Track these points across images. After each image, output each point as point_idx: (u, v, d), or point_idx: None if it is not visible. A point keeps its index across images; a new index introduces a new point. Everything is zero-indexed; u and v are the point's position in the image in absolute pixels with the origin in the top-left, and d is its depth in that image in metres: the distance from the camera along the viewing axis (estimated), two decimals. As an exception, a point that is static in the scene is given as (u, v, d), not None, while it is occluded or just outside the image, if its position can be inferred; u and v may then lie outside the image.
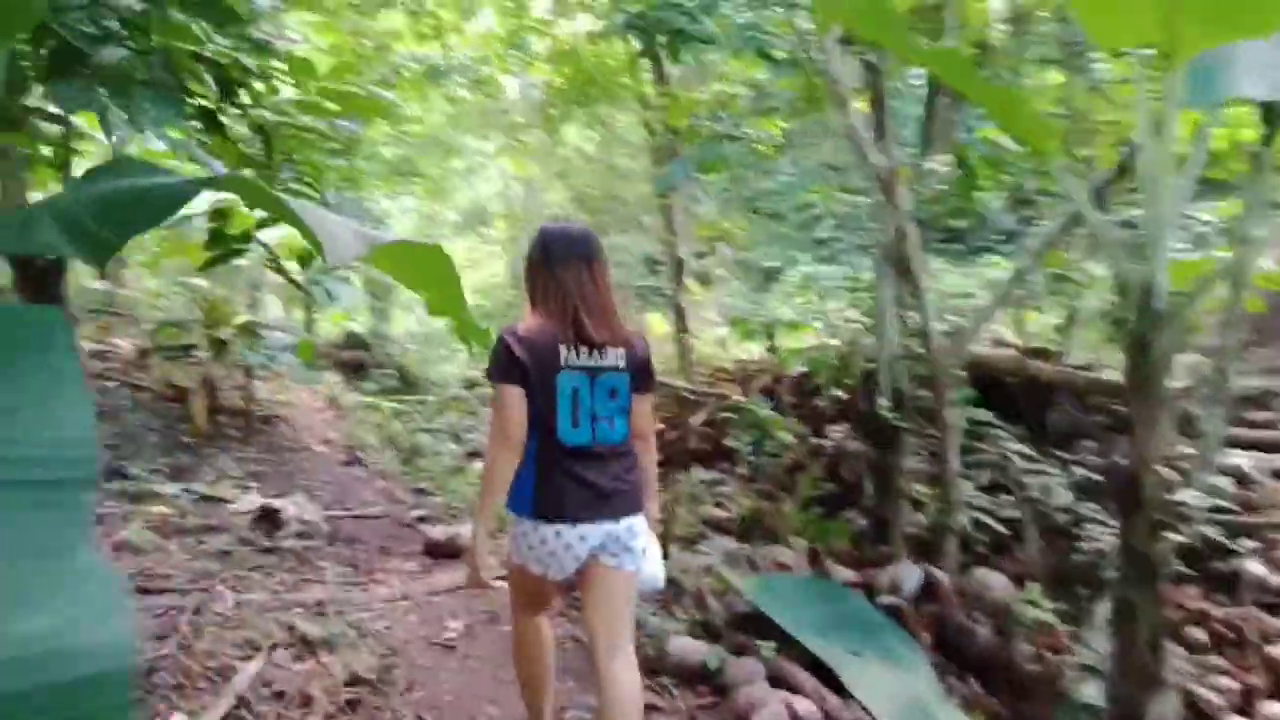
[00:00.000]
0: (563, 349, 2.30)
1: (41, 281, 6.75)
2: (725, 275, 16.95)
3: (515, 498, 2.37)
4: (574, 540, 2.31)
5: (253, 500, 5.43)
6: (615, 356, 2.36)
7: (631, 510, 2.41)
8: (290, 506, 5.44)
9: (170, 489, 5.46)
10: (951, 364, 4.01)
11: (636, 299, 14.23)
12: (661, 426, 10.72)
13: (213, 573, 4.18)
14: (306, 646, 3.50)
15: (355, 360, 12.59)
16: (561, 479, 2.31)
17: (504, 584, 2.76)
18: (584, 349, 2.32)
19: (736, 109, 8.15)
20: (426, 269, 1.75)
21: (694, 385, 11.00)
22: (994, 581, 3.92)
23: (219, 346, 7.23)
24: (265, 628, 3.63)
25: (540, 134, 13.78)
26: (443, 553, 5.00)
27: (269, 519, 5.00)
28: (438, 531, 5.26)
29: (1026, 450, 4.68)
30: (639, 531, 2.43)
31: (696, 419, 10.52)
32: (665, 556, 4.71)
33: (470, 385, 14.33)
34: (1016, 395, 6.15)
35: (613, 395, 2.35)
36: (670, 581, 4.41)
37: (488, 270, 24.89)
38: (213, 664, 3.31)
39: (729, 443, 8.73)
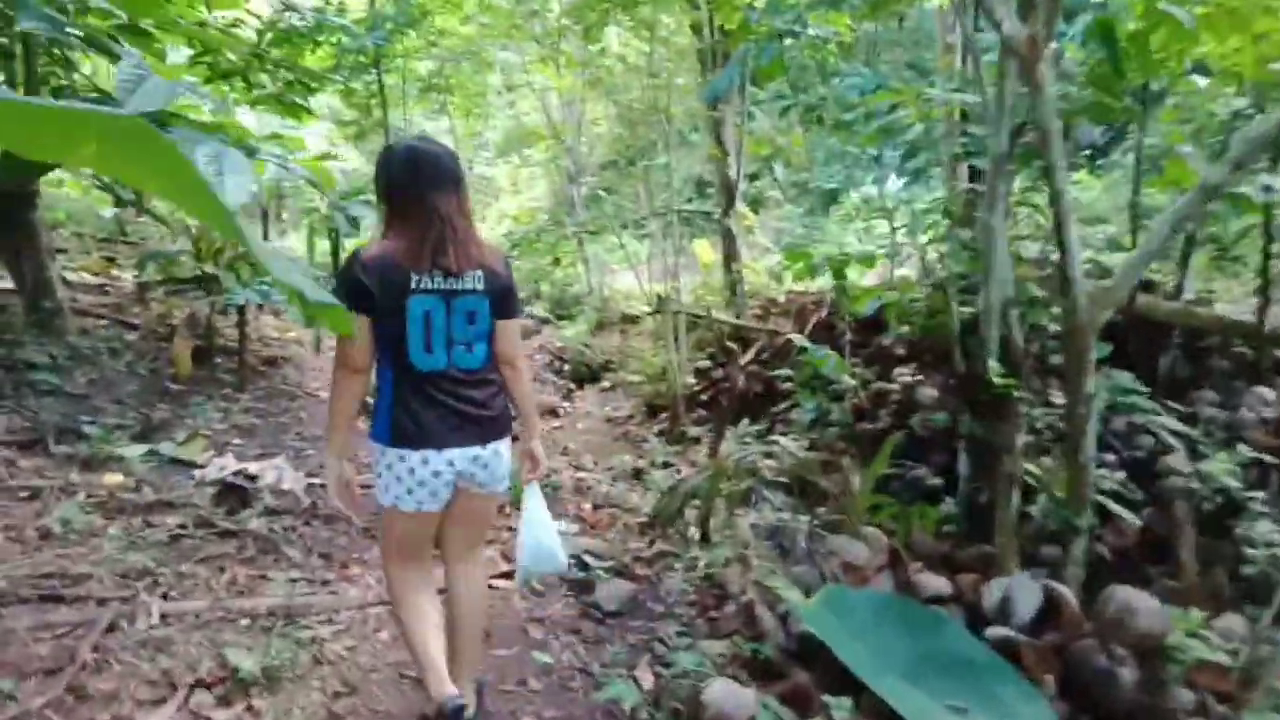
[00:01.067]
0: (413, 273, 2.20)
1: (7, 209, 5.88)
2: (780, 198, 15.74)
3: (376, 428, 2.32)
4: (442, 466, 2.27)
5: (224, 464, 4.63)
6: (473, 279, 2.28)
7: (498, 435, 2.38)
8: (270, 472, 4.63)
9: (133, 450, 4.68)
10: (1101, 314, 2.96)
11: (682, 225, 13.13)
12: (714, 365, 9.78)
13: (148, 570, 3.38)
14: (238, 685, 2.68)
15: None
16: (420, 405, 2.25)
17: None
18: (439, 273, 2.23)
19: (797, 2, 6.92)
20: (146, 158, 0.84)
21: (743, 320, 9.99)
22: (1139, 602, 2.93)
23: (211, 282, 6.40)
24: (190, 656, 2.81)
25: (579, 42, 12.55)
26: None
27: (235, 493, 4.20)
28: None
29: (1182, 428, 3.63)
30: (505, 456, 2.42)
31: (745, 358, 9.56)
32: (704, 538, 3.92)
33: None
34: (1122, 336, 5.06)
35: (471, 320, 2.28)
36: (710, 581, 3.54)
37: (528, 194, 23.89)
38: (107, 715, 2.51)
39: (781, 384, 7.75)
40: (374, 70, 13.17)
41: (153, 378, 6.09)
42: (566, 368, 12.58)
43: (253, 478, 4.60)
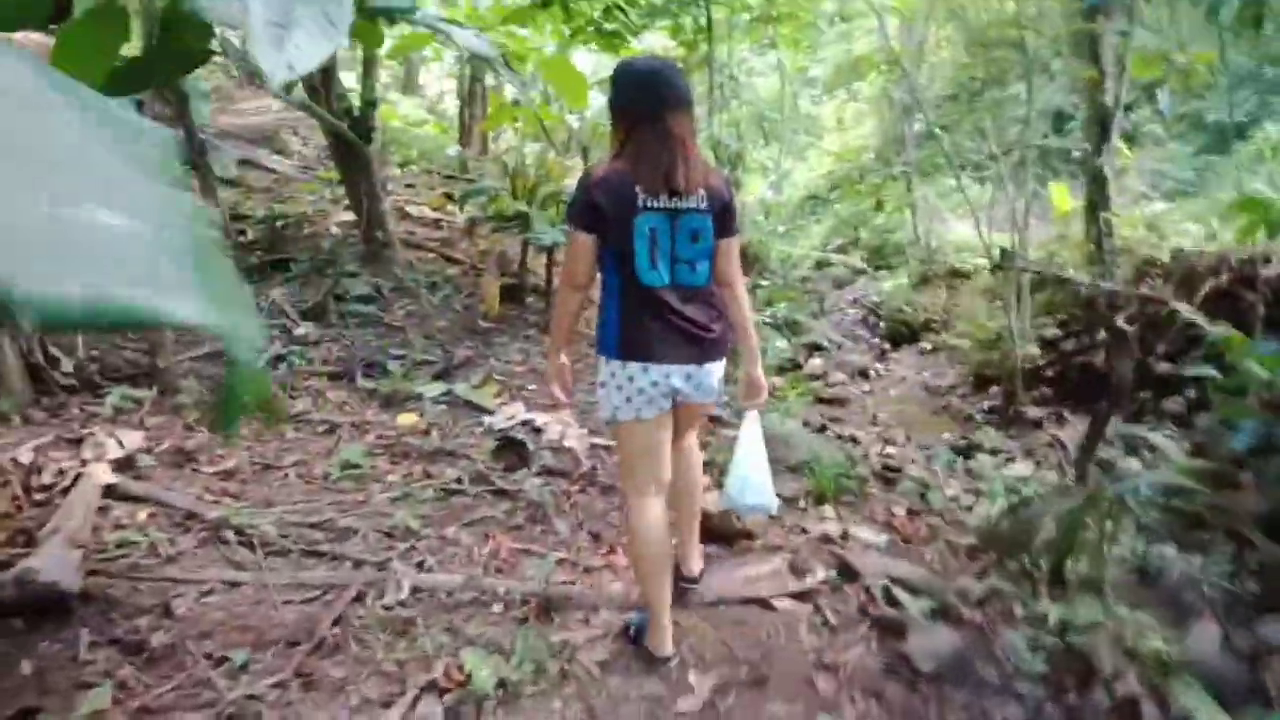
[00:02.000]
0: (640, 192, 2.20)
1: (350, 143, 6.04)
2: (1160, 134, 13.15)
3: (602, 340, 2.35)
4: (660, 378, 2.29)
5: (512, 413, 4.41)
6: (697, 199, 2.26)
7: (715, 356, 2.38)
8: (554, 425, 4.34)
9: (431, 389, 4.61)
10: None
11: (1036, 165, 11.33)
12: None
13: (412, 530, 3.14)
14: (469, 696, 2.30)
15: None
16: (645, 319, 2.27)
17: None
18: (666, 193, 2.22)
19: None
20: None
21: (1111, 282, 8.33)
22: None
23: (525, 220, 6.28)
24: (430, 648, 2.48)
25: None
26: (727, 533, 3.27)
27: (515, 448, 3.91)
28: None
29: None
30: (717, 376, 2.41)
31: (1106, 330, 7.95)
32: (1057, 578, 2.95)
33: (820, 265, 12.61)
34: None
35: (694, 238, 2.27)
36: (1068, 649, 2.61)
37: (854, 132, 22.44)
38: (324, 716, 2.22)
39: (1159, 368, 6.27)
40: (702, 2, 12.65)
41: (465, 314, 6.11)
42: (882, 325, 11.49)
43: (538, 430, 4.33)
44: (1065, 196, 10.01)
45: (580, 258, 2.26)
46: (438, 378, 4.88)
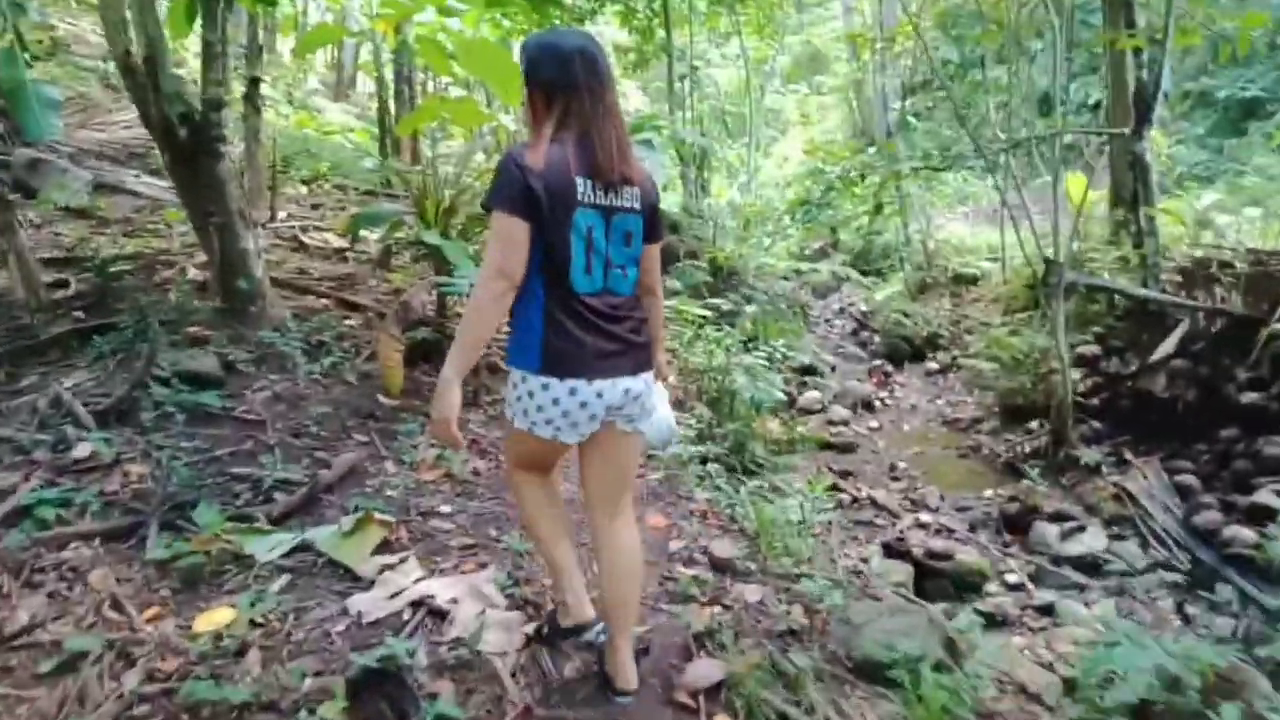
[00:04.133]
0: (579, 182, 1.92)
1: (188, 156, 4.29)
2: (1165, 115, 11.66)
3: (520, 352, 2.04)
4: (590, 398, 2.01)
5: (400, 581, 2.68)
6: (631, 196, 2.02)
7: (647, 365, 2.14)
8: (467, 603, 2.63)
9: (270, 545, 2.86)
10: None
11: (1040, 154, 9.76)
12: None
13: None
14: None
15: (661, 248, 9.66)
16: (576, 331, 1.98)
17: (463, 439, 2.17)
18: (600, 185, 1.95)
19: None
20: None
21: (1157, 290, 6.76)
22: None
23: (436, 253, 4.53)
24: None
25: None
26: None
27: (386, 694, 2.17)
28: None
29: None
30: (652, 389, 2.17)
31: (1162, 349, 6.39)
32: None
33: (797, 272, 10.95)
34: None
35: (627, 241, 2.03)
36: None
37: (820, 126, 20.88)
38: None
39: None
40: (657, -16, 10.92)
41: (360, 389, 4.34)
42: (876, 339, 9.87)
43: (439, 614, 2.61)
44: (1082, 188, 8.37)
45: (515, 245, 1.88)
46: (288, 515, 3.12)
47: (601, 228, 1.97)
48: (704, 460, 4.67)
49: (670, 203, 12.03)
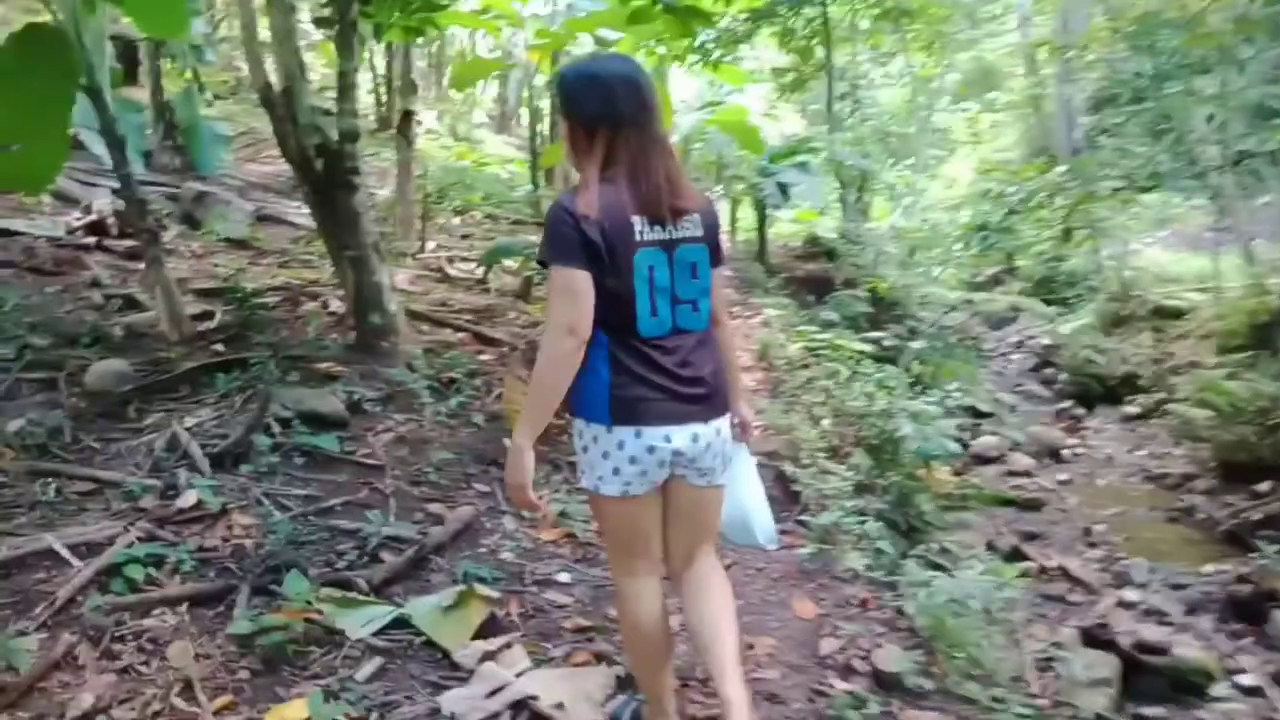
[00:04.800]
0: (636, 221, 1.80)
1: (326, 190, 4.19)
2: None
3: (585, 402, 1.86)
4: (659, 442, 1.85)
5: (501, 676, 2.27)
6: (692, 224, 1.89)
7: (721, 411, 1.96)
8: (572, 704, 2.19)
9: (363, 619, 2.53)
10: None
11: (1258, 171, 8.43)
12: None
13: None
14: None
15: (817, 275, 9.07)
16: (646, 375, 1.83)
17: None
18: (658, 220, 1.82)
19: None
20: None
21: None
22: None
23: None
24: None
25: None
26: None
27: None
28: None
29: None
30: (726, 437, 1.99)
31: None
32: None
33: (967, 302, 9.95)
34: None
35: (693, 273, 1.89)
36: None
37: (992, 145, 19.47)
38: None
39: None
40: (817, 1, 10.36)
41: (483, 435, 4.03)
42: (1062, 378, 8.79)
43: (541, 722, 2.17)
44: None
45: (581, 297, 1.74)
46: (390, 581, 2.79)
47: (665, 265, 1.85)
48: (861, 517, 4.06)
49: (827, 228, 11.35)
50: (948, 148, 19.26)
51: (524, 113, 18.63)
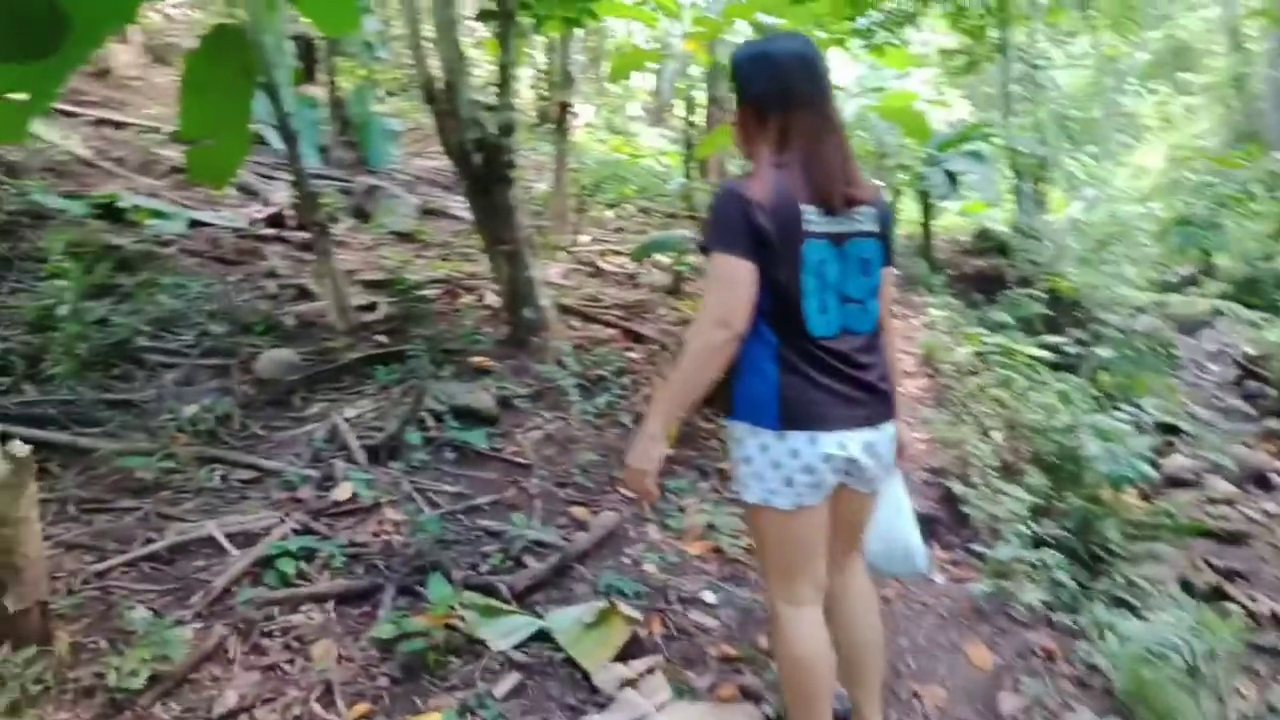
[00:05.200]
0: (807, 210, 1.68)
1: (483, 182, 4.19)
2: None
3: (750, 405, 1.75)
4: (833, 448, 1.73)
5: (639, 704, 2.11)
6: (865, 218, 1.76)
7: (891, 415, 1.85)
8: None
9: (505, 630, 2.43)
10: None
11: None
12: None
13: None
14: None
15: (988, 272, 8.44)
16: (816, 377, 1.72)
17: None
18: (828, 211, 1.70)
19: None
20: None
21: None
22: None
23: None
24: None
25: None
26: None
27: None
28: None
29: None
30: (893, 442, 1.87)
31: None
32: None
33: (1156, 304, 8.99)
34: None
35: (865, 270, 1.77)
36: None
37: (1185, 130, 17.67)
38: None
39: None
40: (993, -23, 9.62)
41: (630, 437, 3.90)
42: (1270, 392, 7.78)
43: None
44: None
45: (740, 288, 1.64)
46: (533, 589, 2.69)
47: (835, 259, 1.74)
48: (1038, 543, 3.66)
49: (996, 220, 10.57)
50: (1135, 134, 17.65)
51: (678, 104, 18.53)
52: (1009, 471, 4.39)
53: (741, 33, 7.17)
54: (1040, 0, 11.25)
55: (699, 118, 9.35)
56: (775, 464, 1.74)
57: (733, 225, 1.67)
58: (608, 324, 5.14)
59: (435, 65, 4.28)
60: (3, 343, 3.72)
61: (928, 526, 3.42)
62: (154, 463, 3.05)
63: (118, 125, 6.73)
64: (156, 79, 7.69)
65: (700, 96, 9.44)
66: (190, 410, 3.44)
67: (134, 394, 3.64)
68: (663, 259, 6.31)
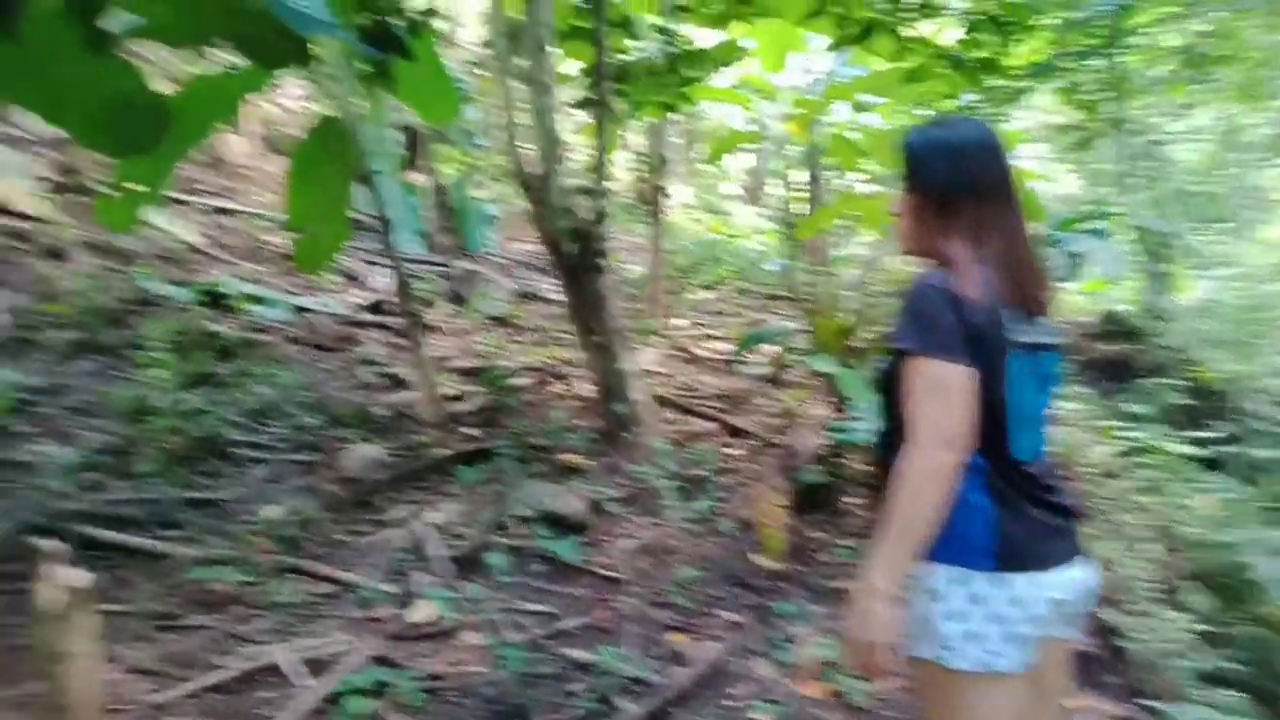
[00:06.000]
0: (1008, 315, 1.44)
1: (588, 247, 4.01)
2: None
3: (957, 544, 1.42)
4: (1057, 591, 1.45)
5: None
6: (1049, 329, 1.54)
7: (1082, 549, 1.54)
8: None
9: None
10: None
11: None
12: None
13: None
14: None
15: (1114, 358, 7.79)
16: (1026, 509, 1.47)
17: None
18: (1024, 318, 1.47)
19: None
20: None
21: None
22: None
23: (830, 384, 3.63)
24: None
25: None
26: None
27: None
28: None
29: None
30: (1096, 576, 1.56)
31: None
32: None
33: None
34: None
35: (1049, 384, 1.56)
36: None
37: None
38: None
39: None
40: (1108, 51, 9.18)
41: (732, 547, 3.53)
42: None
43: None
44: None
45: (963, 398, 1.38)
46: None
47: (1030, 372, 1.50)
48: (1208, 677, 3.11)
49: (1116, 300, 9.86)
50: (1263, 208, 16.60)
51: (775, 184, 18.43)
52: (1168, 593, 3.83)
53: (838, 113, 6.98)
54: (1157, 74, 10.71)
55: (797, 197, 9.12)
56: (996, 618, 1.42)
57: (946, 325, 1.41)
58: (705, 416, 4.84)
59: (531, 151, 4.16)
60: (96, 435, 3.67)
61: (1083, 665, 2.94)
62: (230, 574, 2.86)
63: (229, 213, 6.92)
64: (269, 167, 7.95)
65: (798, 176, 9.23)
66: (273, 512, 3.27)
67: (219, 492, 3.51)
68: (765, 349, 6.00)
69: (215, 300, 5.30)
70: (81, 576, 1.92)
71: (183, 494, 3.39)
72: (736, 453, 4.42)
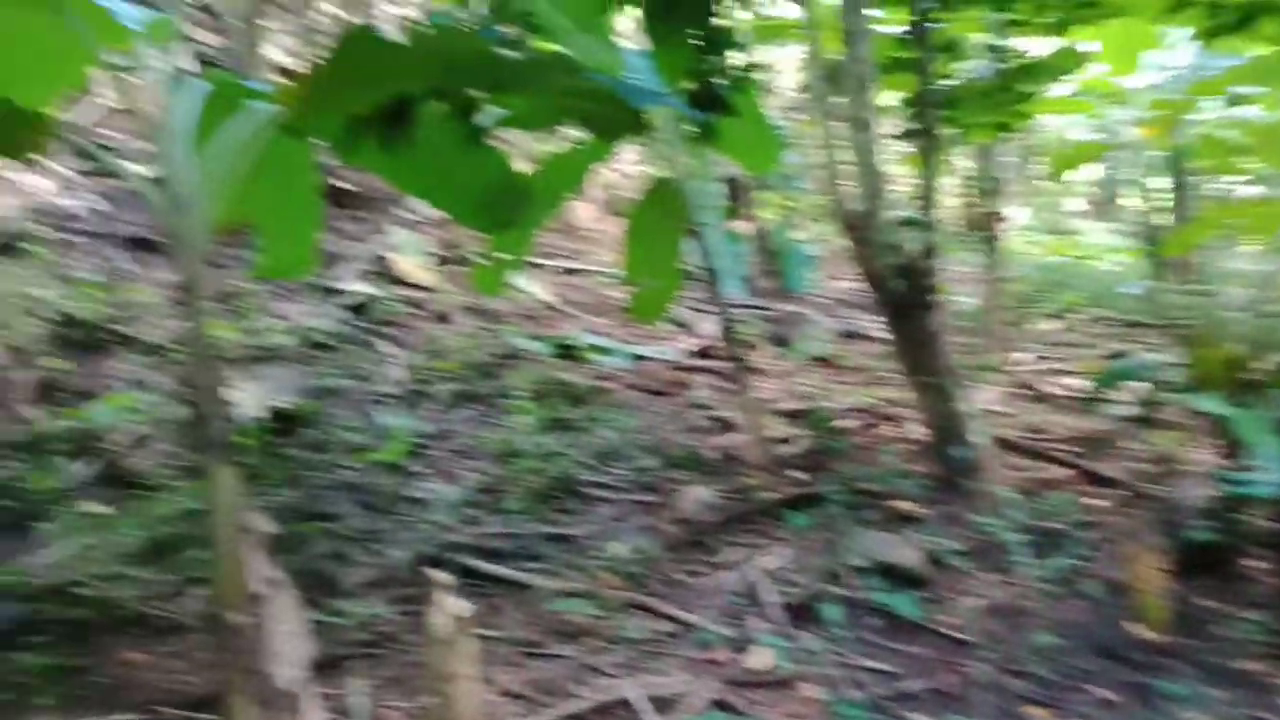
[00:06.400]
0: None
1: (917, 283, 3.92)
2: None
3: None
4: None
5: None
6: None
7: None
8: None
9: None
10: None
11: None
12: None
13: None
14: None
15: None
16: None
17: None
18: None
19: None
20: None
21: None
22: None
23: (1219, 425, 3.08)
24: None
25: None
26: None
27: None
28: None
29: None
30: None
31: None
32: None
33: None
34: None
35: None
36: None
37: None
38: None
39: None
40: None
41: (1101, 613, 3.10)
42: None
43: None
44: None
45: None
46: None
47: None
48: None
49: None
50: None
51: (1130, 196, 16.33)
52: None
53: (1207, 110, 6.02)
54: None
55: (1158, 209, 7.98)
56: None
57: None
58: (1059, 462, 4.35)
59: (852, 189, 4.08)
60: (474, 475, 4.19)
61: None
62: (584, 606, 3.09)
63: (577, 272, 7.65)
64: (610, 229, 8.67)
65: (1157, 185, 8.08)
66: (619, 549, 3.49)
67: (573, 528, 3.82)
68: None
69: (567, 351, 5.86)
70: (465, 606, 2.18)
71: (542, 529, 3.74)
72: (1100, 504, 3.91)
